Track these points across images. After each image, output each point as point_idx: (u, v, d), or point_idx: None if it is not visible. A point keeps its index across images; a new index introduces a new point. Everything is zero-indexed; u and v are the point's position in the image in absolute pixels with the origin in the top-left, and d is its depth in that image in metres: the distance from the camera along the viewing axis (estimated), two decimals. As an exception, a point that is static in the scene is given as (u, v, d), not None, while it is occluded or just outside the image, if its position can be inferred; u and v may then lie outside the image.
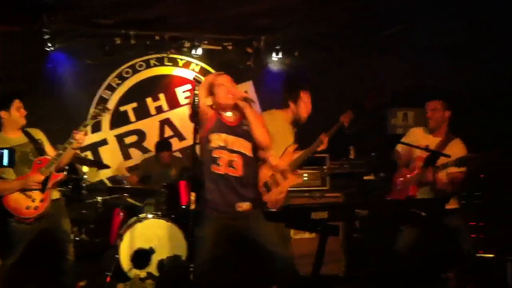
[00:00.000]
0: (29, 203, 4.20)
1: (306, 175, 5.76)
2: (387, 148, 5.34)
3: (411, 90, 6.70)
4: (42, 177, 4.26)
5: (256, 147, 3.81)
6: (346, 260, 5.46)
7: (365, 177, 6.21)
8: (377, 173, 6.22)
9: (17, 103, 4.26)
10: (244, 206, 3.63)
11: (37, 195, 4.25)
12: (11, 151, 2.17)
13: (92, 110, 4.60)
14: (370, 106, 4.78)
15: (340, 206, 3.33)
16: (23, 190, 4.19)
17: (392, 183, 5.06)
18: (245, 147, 3.76)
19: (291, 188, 4.70)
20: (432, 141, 4.71)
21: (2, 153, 2.17)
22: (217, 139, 3.73)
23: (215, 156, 3.71)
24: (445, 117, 4.76)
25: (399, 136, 6.28)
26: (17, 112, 4.26)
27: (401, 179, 4.79)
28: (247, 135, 3.75)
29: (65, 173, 4.49)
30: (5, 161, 2.16)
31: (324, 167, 5.92)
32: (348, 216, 3.37)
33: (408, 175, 4.71)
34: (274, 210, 3.40)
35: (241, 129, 3.78)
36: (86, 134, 4.35)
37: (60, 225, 4.37)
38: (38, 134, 4.48)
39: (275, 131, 4.67)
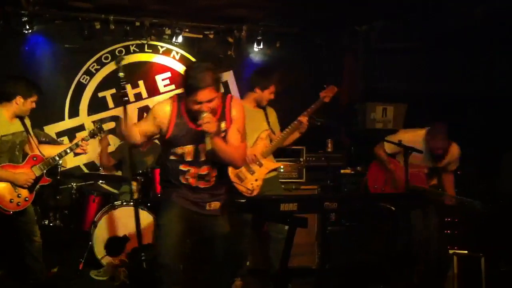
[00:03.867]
0: (14, 197, 4.17)
1: (282, 167, 5.77)
2: (365, 142, 5.38)
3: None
4: (34, 176, 4.25)
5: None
6: (319, 253, 5.49)
7: (342, 171, 6.23)
8: (354, 167, 6.25)
9: (35, 97, 4.33)
10: (213, 205, 3.46)
11: (24, 192, 4.24)
12: None
13: (94, 127, 4.61)
14: (345, 101, 4.78)
15: (309, 198, 3.33)
16: (12, 183, 4.16)
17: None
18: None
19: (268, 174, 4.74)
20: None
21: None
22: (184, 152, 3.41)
23: (183, 169, 3.41)
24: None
25: (378, 130, 6.39)
26: (30, 105, 4.34)
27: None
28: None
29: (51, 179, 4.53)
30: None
31: (301, 159, 5.94)
32: (317, 209, 3.38)
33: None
34: (243, 201, 3.38)
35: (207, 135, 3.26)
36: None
37: (25, 215, 4.32)
38: (27, 121, 4.45)
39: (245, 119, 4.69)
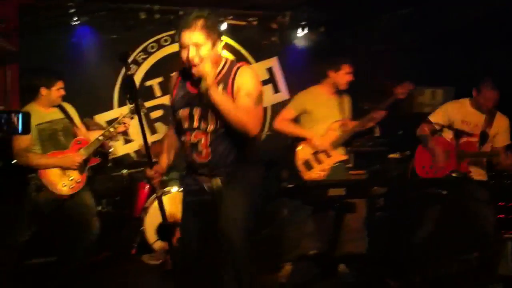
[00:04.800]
0: (66, 181, 4.29)
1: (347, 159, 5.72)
2: (413, 127, 5.28)
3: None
4: (82, 158, 4.36)
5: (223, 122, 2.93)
6: (368, 238, 5.44)
7: (390, 155, 6.14)
8: (402, 151, 6.15)
9: (59, 84, 4.35)
10: (215, 183, 3.02)
11: (75, 174, 4.35)
12: (26, 116, 2.15)
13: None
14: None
15: (357, 183, 3.30)
16: (62, 168, 4.29)
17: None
18: (210, 122, 2.95)
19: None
20: (480, 118, 4.73)
21: (18, 117, 2.12)
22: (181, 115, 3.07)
23: (182, 139, 3.10)
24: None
25: (426, 114, 6.23)
26: (57, 92, 4.33)
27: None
28: (212, 107, 2.88)
29: (100, 159, 4.63)
30: (20, 127, 2.12)
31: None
32: (366, 194, 3.34)
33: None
34: (290, 186, 3.35)
35: (205, 99, 2.89)
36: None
37: (82, 200, 4.44)
38: (71, 110, 4.56)
39: (317, 107, 4.67)
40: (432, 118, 4.94)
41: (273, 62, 7.05)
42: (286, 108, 4.80)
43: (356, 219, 5.08)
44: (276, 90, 7.09)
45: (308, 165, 4.62)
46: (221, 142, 2.97)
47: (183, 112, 3.02)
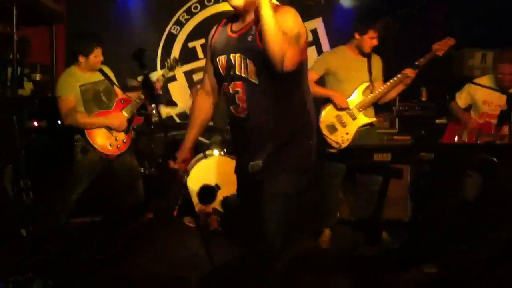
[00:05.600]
0: (112, 141, 4.36)
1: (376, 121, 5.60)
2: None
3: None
4: (126, 117, 4.41)
5: (263, 70, 2.58)
6: (411, 206, 5.34)
7: (437, 121, 5.96)
8: (450, 116, 5.96)
9: (97, 51, 4.35)
10: (255, 166, 2.71)
11: (121, 135, 4.42)
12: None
13: (167, 61, 4.75)
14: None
15: (404, 148, 3.20)
16: (108, 128, 4.35)
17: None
18: (249, 70, 2.63)
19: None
20: (501, 98, 4.48)
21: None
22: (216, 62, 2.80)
23: (222, 89, 2.84)
24: None
25: (476, 77, 6.00)
26: (94, 59, 4.35)
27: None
28: (252, 51, 2.60)
29: (143, 118, 4.66)
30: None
31: (393, 108, 5.74)
32: (412, 159, 3.23)
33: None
34: (335, 151, 3.25)
35: (245, 42, 2.62)
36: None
37: (128, 162, 4.50)
38: (110, 72, 4.59)
39: (341, 68, 4.55)
40: (458, 99, 4.81)
41: (318, 23, 6.89)
42: (308, 70, 4.69)
43: (399, 185, 5.02)
44: (320, 52, 6.93)
45: (332, 128, 4.49)
46: (259, 95, 2.65)
47: (221, 59, 2.75)
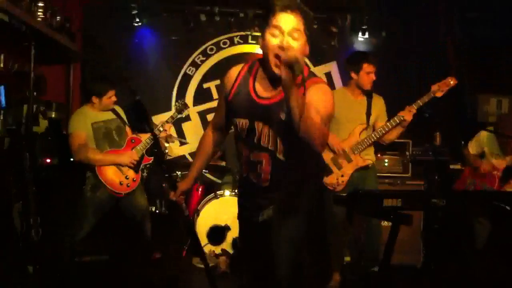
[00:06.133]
0: (122, 179, 4.38)
1: (386, 160, 5.56)
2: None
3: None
4: (137, 156, 4.44)
5: (292, 148, 2.57)
6: (424, 251, 5.24)
7: (451, 166, 5.89)
8: (464, 162, 5.90)
9: (110, 93, 4.42)
10: (266, 214, 2.70)
11: (130, 173, 4.44)
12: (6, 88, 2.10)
13: (176, 104, 4.87)
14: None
15: (415, 194, 3.14)
16: (118, 165, 4.36)
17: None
18: (278, 147, 2.56)
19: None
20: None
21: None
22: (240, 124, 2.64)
23: (239, 149, 2.73)
24: None
25: (491, 124, 5.97)
26: (108, 100, 4.41)
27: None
28: (284, 130, 2.49)
29: (153, 158, 4.69)
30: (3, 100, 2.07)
31: (406, 153, 5.69)
32: (424, 205, 3.17)
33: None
34: (343, 194, 3.20)
35: (276, 117, 2.48)
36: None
37: (137, 201, 4.50)
38: (121, 112, 4.64)
39: (340, 110, 4.50)
40: (469, 146, 4.81)
41: (332, 67, 6.92)
42: None
43: (412, 230, 4.94)
44: (334, 95, 6.94)
45: (328, 170, 4.46)
46: (283, 167, 2.58)
47: (241, 122, 2.63)
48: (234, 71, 2.70)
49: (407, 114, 4.37)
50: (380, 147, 4.86)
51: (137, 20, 6.46)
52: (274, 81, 2.51)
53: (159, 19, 6.61)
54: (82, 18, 6.53)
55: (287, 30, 2.39)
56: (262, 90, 2.58)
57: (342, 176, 4.44)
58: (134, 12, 6.37)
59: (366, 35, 6.64)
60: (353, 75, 4.49)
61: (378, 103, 4.63)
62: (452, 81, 4.37)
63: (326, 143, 2.47)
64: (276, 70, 2.41)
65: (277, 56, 2.37)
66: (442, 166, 5.80)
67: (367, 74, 4.43)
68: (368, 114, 4.53)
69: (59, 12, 5.56)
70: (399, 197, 2.83)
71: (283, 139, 2.52)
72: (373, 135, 4.50)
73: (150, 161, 4.70)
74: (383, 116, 4.63)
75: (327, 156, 4.49)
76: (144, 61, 6.66)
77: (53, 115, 5.70)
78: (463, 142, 6.23)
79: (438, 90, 4.37)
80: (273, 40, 2.40)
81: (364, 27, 6.59)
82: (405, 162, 5.69)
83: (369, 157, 4.56)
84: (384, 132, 4.48)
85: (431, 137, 6.02)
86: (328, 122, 2.51)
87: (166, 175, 3.80)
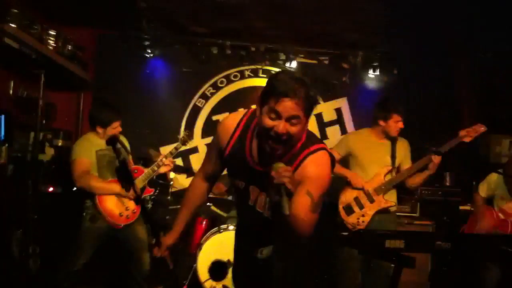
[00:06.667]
0: (122, 210, 4.31)
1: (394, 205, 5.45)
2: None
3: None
4: (138, 188, 4.38)
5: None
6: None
7: (461, 207, 5.76)
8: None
9: (116, 124, 4.38)
10: (265, 252, 2.67)
11: (131, 204, 4.36)
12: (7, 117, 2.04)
13: (181, 135, 4.83)
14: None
15: (418, 235, 3.05)
16: (119, 196, 4.30)
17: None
18: (273, 214, 2.51)
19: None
20: None
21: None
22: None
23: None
24: None
25: (503, 165, 5.82)
26: (112, 130, 4.38)
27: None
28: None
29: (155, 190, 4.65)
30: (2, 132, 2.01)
31: (415, 192, 5.58)
32: (427, 248, 3.07)
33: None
34: (345, 234, 3.13)
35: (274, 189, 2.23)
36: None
37: (136, 233, 4.42)
38: (126, 142, 4.60)
39: (364, 151, 4.48)
40: (480, 188, 4.83)
41: (342, 103, 6.88)
42: (334, 148, 4.63)
43: (419, 273, 4.80)
44: (344, 131, 6.89)
45: (349, 209, 4.45)
46: (277, 231, 2.49)
47: (237, 182, 2.61)
48: (232, 123, 2.61)
49: (435, 157, 4.31)
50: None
51: (149, 51, 6.49)
52: (267, 155, 2.41)
53: (170, 51, 6.61)
54: (95, 47, 6.58)
55: (286, 117, 2.29)
56: (257, 158, 2.50)
57: (363, 216, 4.39)
58: (146, 43, 6.39)
59: (377, 72, 6.60)
60: (381, 122, 4.49)
61: (403, 146, 4.60)
62: (482, 128, 4.35)
63: (307, 231, 2.27)
64: (267, 149, 2.35)
65: (270, 137, 2.32)
66: (452, 207, 5.69)
67: (395, 123, 4.45)
68: (393, 156, 4.50)
69: (71, 40, 5.62)
70: (403, 238, 2.75)
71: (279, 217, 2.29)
72: (398, 176, 4.46)
73: (151, 193, 4.64)
74: (408, 159, 4.60)
75: (350, 195, 4.49)
76: (155, 91, 6.66)
77: (60, 143, 5.72)
78: (474, 183, 6.15)
79: (467, 135, 4.31)
80: (269, 122, 2.32)
81: (375, 63, 6.55)
82: (413, 202, 5.59)
83: (391, 199, 4.50)
84: (410, 173, 4.44)
85: (441, 177, 5.94)
86: (320, 205, 2.37)
87: (152, 229, 3.52)
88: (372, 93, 6.74)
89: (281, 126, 2.28)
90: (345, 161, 4.63)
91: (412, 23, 5.35)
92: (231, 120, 2.63)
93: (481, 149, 6.51)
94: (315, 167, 2.39)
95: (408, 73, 6.60)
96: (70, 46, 5.64)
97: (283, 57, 6.65)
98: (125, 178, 2.31)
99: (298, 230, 2.26)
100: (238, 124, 2.57)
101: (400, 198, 5.17)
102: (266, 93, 2.34)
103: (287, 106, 2.27)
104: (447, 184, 5.93)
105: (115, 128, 4.36)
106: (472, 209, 5.64)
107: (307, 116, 2.36)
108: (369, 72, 6.65)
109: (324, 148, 2.48)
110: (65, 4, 5.63)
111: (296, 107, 2.28)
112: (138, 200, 4.28)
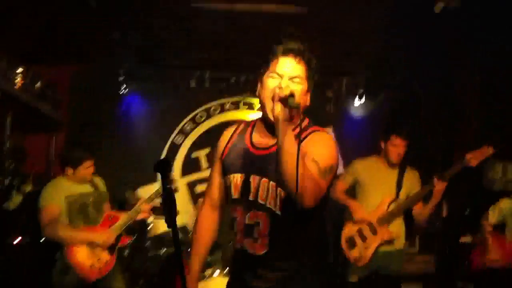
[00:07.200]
0: (94, 261, 3.88)
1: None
2: (483, 206, 4.67)
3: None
4: (113, 237, 3.98)
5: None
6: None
7: (462, 239, 5.43)
8: (474, 234, 5.44)
9: (88, 163, 4.02)
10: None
11: (104, 255, 3.95)
12: None
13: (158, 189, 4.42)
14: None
15: (437, 277, 2.73)
16: (91, 245, 3.89)
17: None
18: (278, 200, 2.23)
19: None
20: None
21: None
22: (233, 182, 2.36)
23: (232, 215, 2.38)
24: None
25: (496, 194, 5.47)
26: (84, 171, 4.01)
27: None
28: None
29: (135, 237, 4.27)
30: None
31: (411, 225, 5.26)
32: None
33: None
34: (355, 281, 2.78)
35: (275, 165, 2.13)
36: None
37: (111, 283, 4.00)
38: (102, 186, 4.23)
39: (370, 179, 4.20)
40: (490, 213, 4.53)
41: (328, 132, 6.63)
42: (341, 176, 4.32)
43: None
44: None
45: (352, 242, 4.16)
46: (285, 229, 2.25)
47: (236, 178, 2.33)
48: (229, 131, 2.50)
49: (439, 183, 3.94)
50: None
51: (124, 87, 6.25)
52: (272, 129, 2.21)
53: (146, 85, 6.38)
54: (69, 85, 6.26)
55: (288, 76, 2.20)
56: (260, 140, 2.35)
57: (366, 248, 4.09)
58: (121, 78, 6.13)
59: (363, 99, 6.37)
60: (381, 144, 4.26)
61: (412, 177, 4.28)
62: (490, 150, 3.90)
63: (321, 198, 2.09)
64: (271, 115, 2.18)
65: (272, 98, 2.15)
66: (451, 239, 5.37)
67: (393, 146, 4.18)
68: (399, 186, 4.19)
69: (40, 77, 5.25)
70: (420, 280, 2.42)
71: (281, 189, 2.21)
72: (400, 205, 4.14)
73: (127, 242, 4.22)
74: (416, 190, 4.22)
75: (352, 228, 4.20)
76: (131, 129, 6.38)
77: (29, 189, 5.31)
78: (468, 210, 5.85)
79: (473, 158, 3.91)
80: (271, 83, 2.21)
81: (360, 91, 6.33)
82: (412, 235, 5.25)
83: (398, 232, 4.17)
84: (413, 201, 4.11)
85: (438, 207, 5.62)
86: (328, 176, 2.18)
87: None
88: (358, 121, 6.55)
89: (284, 82, 2.19)
90: (352, 191, 4.35)
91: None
92: (229, 128, 2.53)
93: (473, 174, 6.24)
94: (322, 142, 2.26)
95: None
96: (39, 84, 5.27)
97: (264, 87, 6.40)
98: (169, 213, 1.94)
99: (303, 197, 2.02)
100: (236, 128, 2.49)
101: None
102: (269, 58, 2.27)
103: (288, 64, 2.23)
104: (444, 215, 5.63)
105: (88, 168, 3.99)
106: (472, 239, 5.36)
107: (309, 80, 2.28)
108: (354, 100, 6.47)
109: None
110: (37, 41, 5.32)
111: (298, 66, 2.23)
112: (112, 250, 3.88)
